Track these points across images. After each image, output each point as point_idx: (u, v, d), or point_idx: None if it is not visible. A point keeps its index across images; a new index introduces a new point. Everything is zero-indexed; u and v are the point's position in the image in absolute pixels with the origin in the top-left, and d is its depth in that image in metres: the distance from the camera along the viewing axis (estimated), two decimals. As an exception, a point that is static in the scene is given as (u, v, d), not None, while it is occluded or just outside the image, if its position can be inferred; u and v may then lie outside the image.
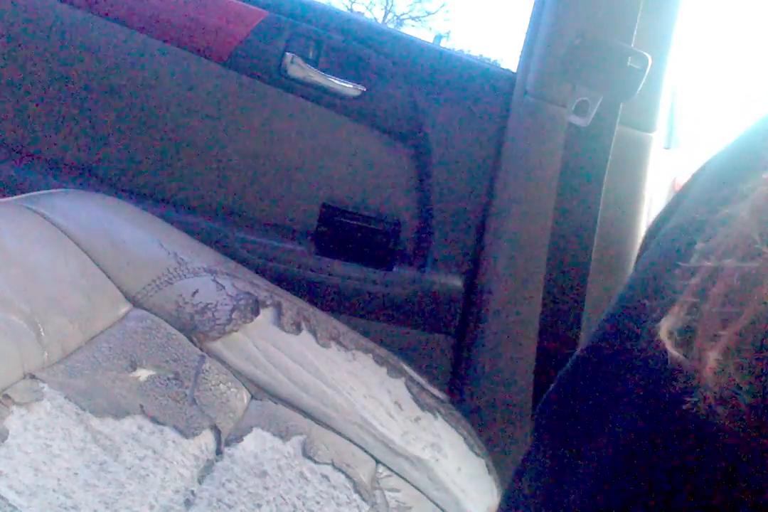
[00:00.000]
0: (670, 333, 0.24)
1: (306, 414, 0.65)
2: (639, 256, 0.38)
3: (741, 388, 0.21)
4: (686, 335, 0.24)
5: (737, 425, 0.21)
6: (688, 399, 0.23)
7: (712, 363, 0.22)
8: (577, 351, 0.34)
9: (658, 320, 0.25)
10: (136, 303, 0.67)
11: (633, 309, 0.30)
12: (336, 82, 0.91)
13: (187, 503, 0.52)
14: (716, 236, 0.24)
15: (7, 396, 0.51)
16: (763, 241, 0.22)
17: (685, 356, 0.23)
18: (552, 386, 0.35)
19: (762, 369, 0.21)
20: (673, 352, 0.23)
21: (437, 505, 0.65)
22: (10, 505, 0.45)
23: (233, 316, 0.67)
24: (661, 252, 0.32)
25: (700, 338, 0.23)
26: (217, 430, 0.59)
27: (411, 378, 0.73)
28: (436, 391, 0.75)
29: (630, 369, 0.28)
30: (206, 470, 0.55)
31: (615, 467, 0.27)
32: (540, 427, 0.36)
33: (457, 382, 0.99)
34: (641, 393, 0.27)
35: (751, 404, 0.21)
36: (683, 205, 0.33)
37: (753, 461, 0.21)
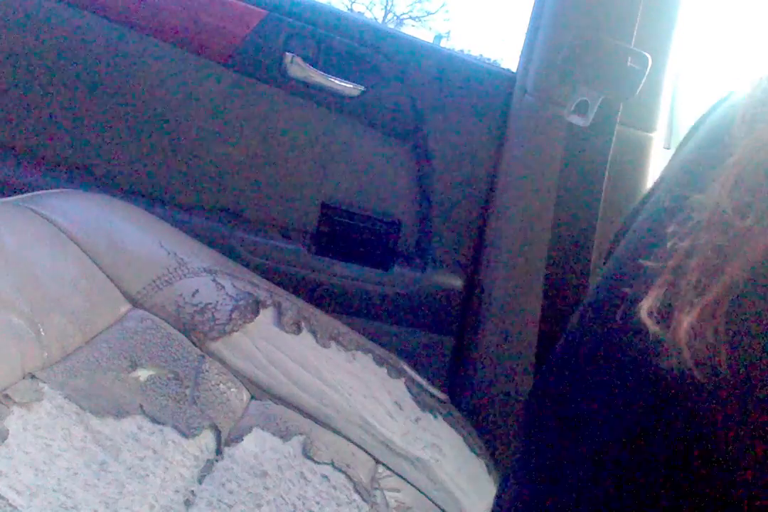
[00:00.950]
0: (650, 313, 0.25)
1: (306, 414, 0.65)
2: (609, 251, 0.39)
3: (717, 349, 0.22)
4: (665, 311, 0.24)
5: (715, 384, 0.23)
6: (664, 364, 0.24)
7: (688, 329, 0.23)
8: (555, 348, 0.35)
9: (636, 303, 0.25)
10: (135, 303, 0.67)
11: (611, 298, 0.31)
12: (336, 82, 0.91)
13: (187, 503, 0.52)
14: (690, 219, 0.25)
15: (7, 396, 0.51)
16: (735, 214, 0.23)
17: (664, 330, 0.24)
18: (533, 385, 0.36)
19: (737, 330, 0.22)
20: (653, 328, 0.24)
21: (437, 505, 0.65)
22: (10, 505, 0.45)
23: (233, 316, 0.67)
24: (636, 241, 0.33)
25: (677, 309, 0.24)
26: (217, 430, 0.59)
27: (411, 379, 0.73)
28: (436, 391, 0.75)
29: (611, 355, 0.29)
30: (206, 470, 0.55)
31: (607, 445, 0.27)
32: (526, 426, 0.36)
33: (457, 382, 0.99)
34: (625, 374, 0.27)
35: (729, 361, 0.22)
36: (654, 197, 0.34)
37: (732, 416, 0.23)
